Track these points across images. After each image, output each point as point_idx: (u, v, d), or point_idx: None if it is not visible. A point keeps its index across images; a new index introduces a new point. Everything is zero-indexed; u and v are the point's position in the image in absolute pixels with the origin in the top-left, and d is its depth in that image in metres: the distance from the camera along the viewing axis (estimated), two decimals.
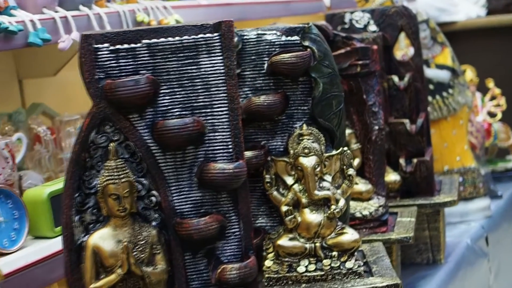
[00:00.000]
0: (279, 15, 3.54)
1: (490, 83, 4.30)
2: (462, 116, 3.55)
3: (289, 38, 2.09)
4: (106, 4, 2.54)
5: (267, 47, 2.09)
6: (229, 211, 1.84)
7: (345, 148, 2.12)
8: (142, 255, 1.78)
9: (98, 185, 1.76)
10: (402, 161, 2.96)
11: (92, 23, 2.41)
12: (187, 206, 1.81)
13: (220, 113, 1.81)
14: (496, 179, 4.05)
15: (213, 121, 1.81)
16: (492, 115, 4.22)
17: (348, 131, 2.56)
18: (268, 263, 2.09)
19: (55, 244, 2.13)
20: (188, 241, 1.80)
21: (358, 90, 2.56)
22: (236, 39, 2.08)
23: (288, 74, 2.08)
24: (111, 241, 1.77)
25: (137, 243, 1.78)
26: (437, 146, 3.45)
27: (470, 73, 4.21)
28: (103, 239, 1.77)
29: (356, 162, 2.58)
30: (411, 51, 3.12)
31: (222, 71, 1.81)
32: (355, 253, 2.09)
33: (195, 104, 1.80)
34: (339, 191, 2.10)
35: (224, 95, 1.81)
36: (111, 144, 1.77)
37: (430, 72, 3.50)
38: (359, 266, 2.08)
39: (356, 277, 2.06)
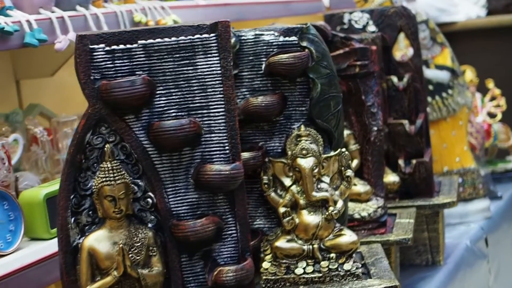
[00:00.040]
0: (278, 15, 3.53)
1: (490, 84, 4.29)
2: (461, 116, 3.54)
3: (287, 38, 2.09)
4: (103, 4, 2.53)
5: (265, 47, 2.09)
6: (225, 213, 1.83)
7: (343, 149, 2.11)
8: (138, 257, 1.77)
9: (94, 187, 1.76)
10: (401, 162, 2.95)
11: (89, 23, 2.40)
12: (184, 207, 1.81)
13: (217, 114, 1.80)
14: (496, 180, 4.04)
15: (209, 122, 1.80)
16: (492, 115, 4.21)
17: (346, 132, 2.55)
18: (265, 265, 2.08)
19: (51, 246, 2.12)
20: (184, 243, 1.79)
21: (357, 91, 2.55)
22: (233, 39, 2.07)
23: (286, 74, 2.07)
24: (106, 243, 1.76)
25: (133, 245, 1.77)
26: (436, 147, 3.44)
27: (470, 74, 4.20)
28: (98, 241, 1.76)
29: (355, 163, 2.58)
30: (410, 51, 3.11)
31: (219, 72, 1.80)
32: (353, 255, 2.08)
33: (192, 105, 1.80)
34: (337, 192, 2.09)
35: (221, 96, 1.80)
36: (107, 146, 1.76)
37: (430, 73, 3.49)
38: (357, 268, 2.07)
39: (354, 279, 2.06)
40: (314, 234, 2.07)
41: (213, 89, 1.80)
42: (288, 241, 2.07)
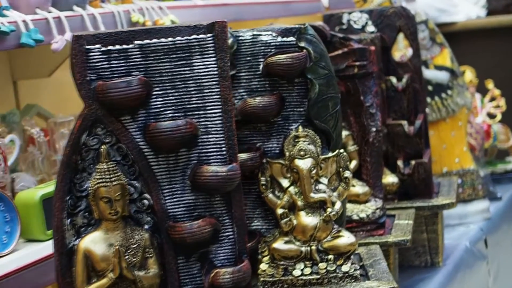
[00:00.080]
0: (277, 15, 3.52)
1: (490, 84, 4.28)
2: (461, 117, 3.53)
3: (284, 39, 2.08)
4: (100, 4, 2.52)
5: (262, 48, 2.08)
6: (222, 214, 1.82)
7: (342, 150, 2.10)
8: (134, 259, 1.76)
9: (90, 188, 1.75)
10: (400, 163, 2.94)
11: (86, 23, 2.39)
12: (180, 209, 1.80)
13: (214, 115, 1.79)
14: (495, 181, 4.04)
15: (206, 123, 1.79)
16: (491, 116, 4.21)
17: (345, 133, 2.54)
18: (263, 266, 2.07)
19: (47, 247, 2.11)
20: (181, 244, 1.78)
21: (355, 92, 2.55)
22: (231, 40, 2.06)
23: (284, 75, 2.06)
24: (102, 245, 1.75)
25: (129, 247, 1.76)
26: (435, 147, 3.44)
27: (469, 74, 4.19)
28: (94, 242, 1.75)
29: (353, 164, 2.57)
30: (409, 52, 3.10)
31: (216, 72, 1.79)
32: (352, 257, 2.07)
33: (188, 106, 1.79)
34: (335, 193, 2.08)
35: (218, 96, 1.79)
36: (103, 147, 1.76)
37: (429, 73, 3.48)
38: (355, 270, 2.06)
39: (352, 280, 2.05)
40: (312, 235, 2.06)
41: (210, 90, 1.79)
42: (286, 242, 2.06)
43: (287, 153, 2.07)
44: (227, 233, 1.82)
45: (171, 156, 1.78)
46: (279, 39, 2.07)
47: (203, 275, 1.80)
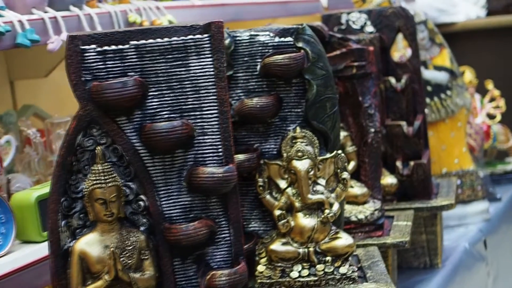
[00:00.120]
0: (276, 15, 3.51)
1: (489, 85, 4.27)
2: (460, 118, 3.52)
3: (282, 39, 2.07)
4: (97, 4, 2.51)
5: (260, 48, 2.07)
6: (219, 216, 1.81)
7: (339, 151, 2.09)
8: (129, 261, 1.75)
9: (85, 190, 1.74)
10: (399, 163, 2.93)
11: (82, 24, 2.37)
12: (176, 211, 1.78)
13: (210, 116, 1.78)
14: (495, 182, 4.03)
15: (202, 124, 1.78)
16: (491, 117, 4.20)
17: (343, 134, 2.54)
18: (260, 268, 2.06)
19: (43, 249, 2.09)
20: (177, 246, 1.77)
21: (354, 92, 2.54)
22: (228, 40, 2.05)
23: (281, 75, 2.06)
24: (98, 247, 1.74)
25: (124, 249, 1.75)
26: (435, 148, 3.43)
27: (469, 75, 4.18)
28: (89, 244, 1.74)
29: (352, 165, 2.56)
30: (408, 52, 3.09)
31: (212, 73, 1.78)
32: (350, 258, 2.06)
33: (184, 107, 1.77)
34: (333, 195, 2.07)
35: (214, 97, 1.78)
36: (98, 148, 1.74)
37: (428, 74, 3.47)
38: (353, 272, 2.05)
39: (350, 282, 2.04)
40: (310, 237, 2.05)
41: (206, 91, 1.78)
42: (283, 244, 2.05)
43: (284, 154, 2.06)
44: (223, 235, 1.81)
45: (167, 157, 1.77)
46: (277, 39, 2.06)
47: (199, 277, 1.79)
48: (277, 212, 2.05)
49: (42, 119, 2.72)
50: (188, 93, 1.77)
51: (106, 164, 1.74)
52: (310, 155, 2.05)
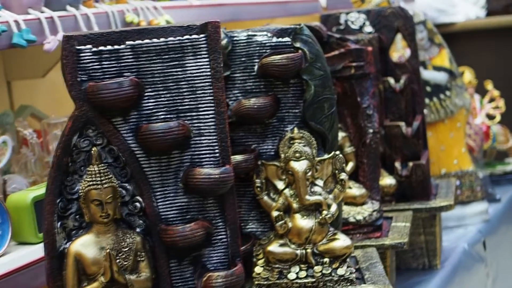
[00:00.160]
0: (274, 15, 3.50)
1: (489, 85, 4.26)
2: (459, 118, 3.51)
3: (280, 39, 2.06)
4: (94, 4, 2.50)
5: (257, 48, 2.06)
6: (215, 217, 1.80)
7: (337, 152, 2.08)
8: (125, 263, 1.75)
9: (80, 191, 1.73)
10: (397, 164, 2.92)
11: (79, 24, 2.36)
12: (173, 212, 1.78)
13: (206, 116, 1.77)
14: (494, 182, 4.02)
15: (199, 125, 1.77)
16: (490, 117, 4.18)
17: (342, 134, 2.53)
18: (258, 269, 2.05)
19: (39, 250, 2.09)
20: (173, 248, 1.76)
21: (352, 93, 2.53)
22: (226, 40, 2.04)
23: (279, 76, 2.05)
24: (93, 248, 1.73)
25: (120, 250, 1.74)
26: (434, 149, 3.42)
27: (468, 75, 4.17)
28: (85, 246, 1.73)
29: (350, 165, 2.55)
30: (407, 52, 3.08)
31: (208, 73, 1.77)
32: (347, 260, 2.05)
33: (181, 108, 1.77)
34: (331, 196, 2.06)
35: (210, 98, 1.77)
36: (94, 149, 1.73)
37: (427, 74, 3.46)
38: (351, 273, 2.04)
39: (348, 284, 2.03)
40: (308, 238, 2.04)
41: (202, 91, 1.77)
42: (281, 245, 2.04)
43: (282, 155, 2.06)
44: (220, 236, 1.80)
45: (164, 158, 1.76)
46: (274, 39, 2.06)
47: (196, 278, 1.78)
48: (275, 213, 2.04)
49: (39, 120, 2.71)
50: (185, 93, 1.76)
51: (102, 165, 1.74)
52: (308, 156, 2.04)
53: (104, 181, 1.72)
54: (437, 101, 3.48)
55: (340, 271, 2.03)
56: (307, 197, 2.03)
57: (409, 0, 4.53)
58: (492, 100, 4.22)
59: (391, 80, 2.96)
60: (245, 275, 1.84)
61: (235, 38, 2.07)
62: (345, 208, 2.46)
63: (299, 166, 2.03)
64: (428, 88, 3.47)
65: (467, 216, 3.50)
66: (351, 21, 2.98)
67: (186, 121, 1.76)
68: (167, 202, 1.77)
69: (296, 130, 2.06)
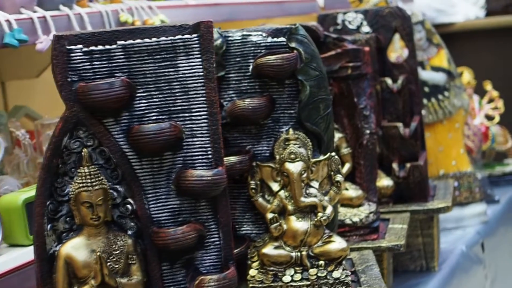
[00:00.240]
0: (271, 15, 3.48)
1: (488, 86, 4.24)
2: (458, 119, 3.50)
3: (275, 39, 2.04)
4: (88, 4, 2.48)
5: (252, 48, 2.04)
6: (208, 219, 1.78)
7: (333, 154, 2.06)
8: (116, 266, 1.72)
9: (71, 193, 1.70)
10: (395, 165, 2.91)
11: (72, 23, 2.34)
12: (165, 214, 1.75)
13: (199, 117, 1.75)
14: (493, 183, 4.00)
15: (191, 126, 1.75)
16: (489, 118, 4.17)
17: (338, 135, 2.51)
18: (252, 272, 2.04)
19: (30, 252, 2.05)
20: (165, 251, 1.74)
21: (349, 93, 2.51)
22: (220, 40, 2.03)
23: (274, 76, 2.03)
24: (84, 251, 1.71)
25: (111, 253, 1.72)
26: (432, 149, 3.40)
27: (467, 75, 4.15)
28: (75, 248, 1.71)
29: (347, 167, 2.53)
30: (405, 53, 3.06)
31: (201, 74, 1.75)
32: (343, 262, 2.03)
33: (173, 108, 1.74)
34: (326, 198, 2.04)
35: (203, 99, 1.75)
36: (85, 150, 1.71)
37: (425, 75, 3.44)
38: (346, 276, 2.02)
39: (344, 287, 2.01)
40: (303, 240, 2.02)
41: (195, 92, 1.75)
42: (276, 248, 2.02)
43: (277, 156, 2.04)
44: (212, 239, 1.78)
45: (155, 160, 1.74)
46: (269, 39, 2.04)
47: (188, 282, 1.76)
48: (270, 215, 2.02)
49: (34, 120, 2.69)
50: (177, 94, 1.74)
51: (92, 166, 1.71)
52: (303, 157, 2.02)
53: (94, 183, 1.70)
54: (435, 101, 3.47)
55: (336, 274, 2.01)
56: (302, 199, 2.01)
57: (407, 0, 4.51)
58: (491, 100, 4.21)
59: (389, 81, 2.94)
60: (240, 278, 1.82)
61: (229, 38, 2.05)
62: (342, 209, 2.44)
63: (294, 167, 2.01)
64: (426, 89, 3.45)
65: (465, 217, 3.48)
66: (348, 21, 2.96)
67: (178, 122, 1.74)
68: (159, 204, 1.75)
69: (291, 131, 2.04)
